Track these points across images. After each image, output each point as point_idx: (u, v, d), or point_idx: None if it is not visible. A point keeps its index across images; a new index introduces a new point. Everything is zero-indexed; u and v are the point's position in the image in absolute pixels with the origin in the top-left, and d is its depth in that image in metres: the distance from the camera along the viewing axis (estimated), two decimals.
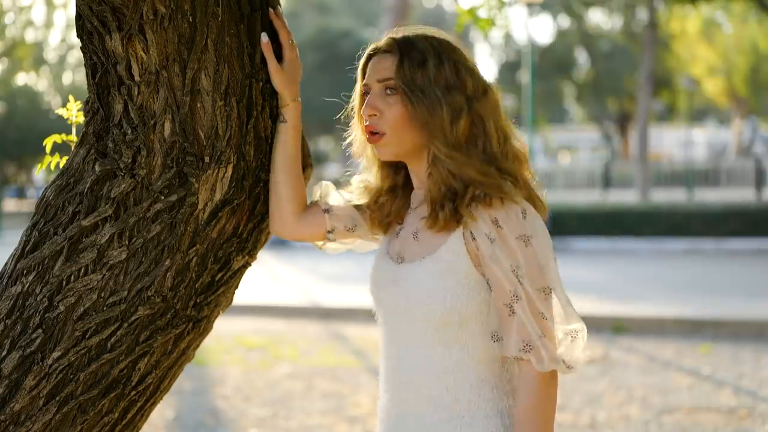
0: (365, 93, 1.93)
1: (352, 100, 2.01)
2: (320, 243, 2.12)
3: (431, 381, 1.86)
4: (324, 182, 2.14)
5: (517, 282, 1.78)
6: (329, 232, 2.06)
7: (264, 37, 1.98)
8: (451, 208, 1.82)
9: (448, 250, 1.83)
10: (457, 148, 1.83)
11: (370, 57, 1.94)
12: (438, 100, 1.83)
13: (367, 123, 1.89)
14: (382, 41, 1.93)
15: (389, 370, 1.94)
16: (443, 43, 1.89)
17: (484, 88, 1.89)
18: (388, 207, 1.99)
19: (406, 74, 1.85)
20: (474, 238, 1.81)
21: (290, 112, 2.02)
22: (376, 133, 1.88)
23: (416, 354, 1.87)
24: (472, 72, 1.88)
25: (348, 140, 2.04)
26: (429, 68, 1.84)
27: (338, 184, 2.15)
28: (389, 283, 1.92)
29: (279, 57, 2.01)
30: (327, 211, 2.06)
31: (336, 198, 2.10)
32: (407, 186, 1.99)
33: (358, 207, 2.07)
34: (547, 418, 1.79)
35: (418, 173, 1.93)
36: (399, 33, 1.93)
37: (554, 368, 1.79)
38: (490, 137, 1.85)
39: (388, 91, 1.88)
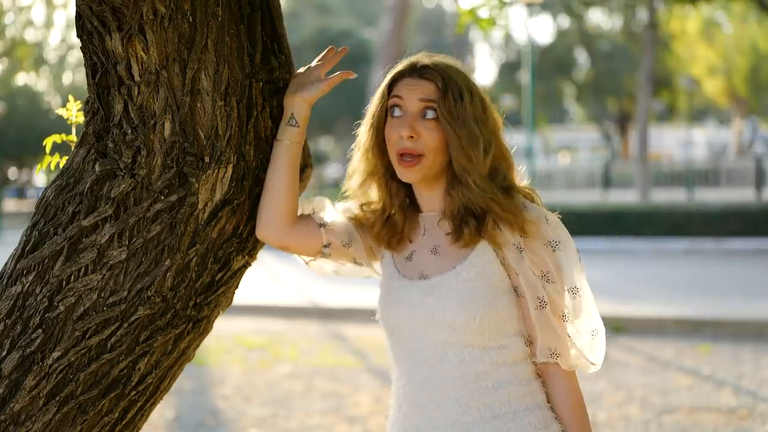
0: (392, 107, 1.94)
1: (369, 109, 2.00)
2: (308, 258, 2.12)
3: (470, 384, 1.88)
4: (317, 198, 2.14)
5: (544, 287, 1.87)
6: (326, 246, 2.06)
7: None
8: (474, 224, 1.89)
9: (477, 255, 1.90)
10: (485, 180, 1.89)
11: (400, 76, 1.96)
12: (474, 133, 1.89)
13: (404, 144, 1.90)
14: (418, 63, 1.95)
15: (416, 383, 1.93)
16: (470, 78, 1.96)
17: (499, 121, 1.97)
18: (400, 224, 2.00)
19: (449, 104, 1.90)
20: (500, 248, 1.89)
21: (303, 117, 2.02)
22: (411, 155, 1.90)
23: (452, 361, 1.89)
24: (491, 107, 1.96)
25: (354, 145, 2.04)
26: (466, 102, 1.91)
27: (338, 185, 2.15)
28: (416, 299, 1.93)
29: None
30: (323, 225, 2.06)
31: (331, 214, 2.09)
32: (411, 205, 2.02)
33: (354, 224, 2.07)
34: (585, 408, 1.93)
35: (431, 196, 1.97)
36: (427, 60, 1.96)
37: (579, 366, 1.93)
38: (510, 166, 1.95)
39: (427, 114, 1.91)
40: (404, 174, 1.92)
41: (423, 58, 1.97)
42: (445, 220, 1.95)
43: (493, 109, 1.96)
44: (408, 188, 2.00)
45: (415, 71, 1.94)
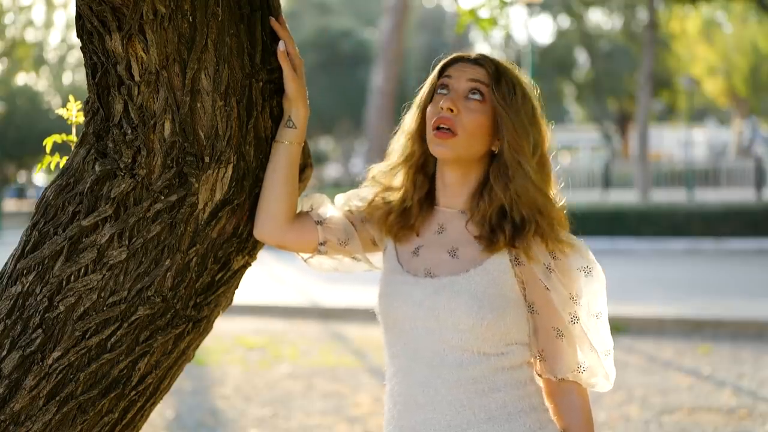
0: (440, 87, 1.94)
1: (419, 93, 2.01)
2: (306, 255, 2.11)
3: (467, 387, 1.88)
4: (317, 194, 2.13)
5: (574, 308, 1.89)
6: (321, 244, 2.05)
7: (281, 45, 1.98)
8: (510, 232, 1.87)
9: (493, 263, 1.89)
10: (538, 174, 1.91)
11: (453, 61, 1.96)
12: (526, 127, 1.90)
13: (441, 114, 1.89)
14: (472, 54, 1.97)
15: (413, 382, 1.92)
16: (527, 83, 1.96)
17: (547, 135, 1.97)
18: (414, 217, 1.99)
19: (503, 91, 1.90)
20: (521, 263, 1.88)
21: (301, 118, 2.02)
22: (446, 130, 1.89)
23: (450, 365, 1.88)
24: (542, 118, 1.96)
25: (398, 128, 2.04)
26: (519, 99, 1.91)
27: (338, 185, 2.15)
28: (419, 296, 1.91)
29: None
30: (320, 222, 2.05)
31: (330, 210, 2.09)
32: (427, 200, 2.00)
33: (352, 218, 2.06)
34: (593, 428, 1.95)
35: (458, 191, 1.95)
36: (483, 54, 1.97)
37: (596, 384, 1.95)
38: (550, 179, 1.96)
39: (472, 95, 1.90)
40: (436, 147, 1.90)
41: (480, 54, 1.99)
42: (474, 223, 1.93)
43: (542, 121, 1.96)
44: (431, 182, 2.00)
45: (471, 59, 1.95)
